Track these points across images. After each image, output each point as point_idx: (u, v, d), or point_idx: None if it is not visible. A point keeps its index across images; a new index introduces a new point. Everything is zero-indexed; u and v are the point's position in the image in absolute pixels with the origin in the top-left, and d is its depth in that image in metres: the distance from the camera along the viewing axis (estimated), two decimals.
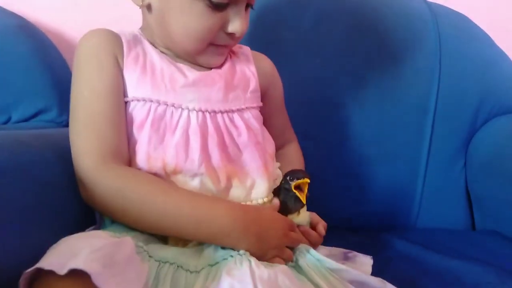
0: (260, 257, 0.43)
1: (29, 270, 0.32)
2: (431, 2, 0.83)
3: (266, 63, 0.60)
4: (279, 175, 0.55)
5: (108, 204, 0.43)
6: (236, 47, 0.58)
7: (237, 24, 0.48)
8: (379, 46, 0.75)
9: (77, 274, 0.30)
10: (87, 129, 0.45)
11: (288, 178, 0.50)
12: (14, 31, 0.85)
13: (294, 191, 0.49)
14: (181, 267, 0.41)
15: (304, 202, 0.49)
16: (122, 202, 0.43)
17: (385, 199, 0.74)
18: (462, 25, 0.81)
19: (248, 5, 0.50)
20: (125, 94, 0.48)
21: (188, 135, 0.47)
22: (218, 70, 0.53)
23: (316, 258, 0.47)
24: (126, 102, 0.48)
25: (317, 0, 0.76)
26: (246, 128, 0.51)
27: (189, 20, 0.47)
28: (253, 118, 0.53)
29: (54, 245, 0.35)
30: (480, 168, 0.74)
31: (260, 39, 0.71)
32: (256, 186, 0.50)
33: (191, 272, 0.41)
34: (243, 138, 0.50)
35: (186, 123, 0.48)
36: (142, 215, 0.43)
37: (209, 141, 0.48)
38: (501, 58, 0.81)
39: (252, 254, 0.42)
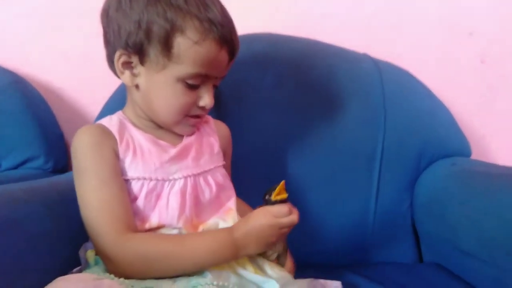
0: (267, 249, 0.57)
1: None
2: (378, 60, 0.94)
3: (224, 129, 0.74)
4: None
5: (136, 268, 0.52)
6: None
7: (206, 99, 0.60)
8: (330, 101, 0.86)
9: None
10: (101, 212, 0.54)
11: (266, 194, 0.57)
12: (7, 88, 0.94)
13: (276, 198, 0.56)
14: None
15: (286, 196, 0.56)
16: (148, 263, 0.52)
17: (339, 238, 0.82)
18: (404, 80, 0.93)
19: (214, 86, 0.63)
20: (122, 174, 0.58)
21: (169, 199, 0.58)
22: (190, 142, 0.65)
23: None
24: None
25: (274, 64, 0.87)
26: (216, 185, 0.64)
27: (171, 97, 0.58)
28: (221, 175, 0.66)
29: (48, 285, 0.43)
30: (422, 209, 0.83)
31: (225, 95, 0.82)
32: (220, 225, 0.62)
33: None
34: (211, 195, 0.63)
35: (169, 189, 0.59)
36: (167, 268, 0.53)
37: (187, 200, 0.60)
38: (440, 108, 0.92)
39: (261, 251, 0.57)
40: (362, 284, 0.70)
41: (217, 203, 0.64)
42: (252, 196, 0.63)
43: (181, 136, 0.65)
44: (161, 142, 0.62)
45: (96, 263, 0.55)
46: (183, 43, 0.55)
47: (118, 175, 0.57)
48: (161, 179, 0.58)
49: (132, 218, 0.55)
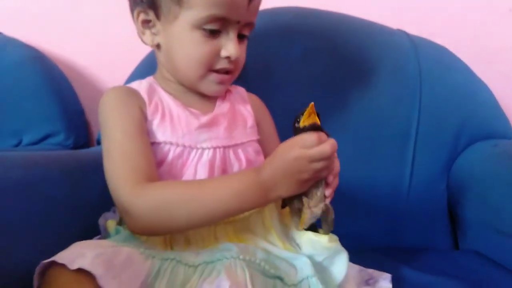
0: (301, 190, 0.48)
1: (45, 261, 0.39)
2: (413, 35, 0.89)
3: (256, 100, 0.68)
4: None
5: (154, 219, 0.47)
6: (232, 88, 0.66)
7: (230, 47, 0.54)
8: (363, 76, 0.81)
9: (82, 272, 0.37)
10: (122, 163, 0.50)
11: (295, 122, 0.49)
12: (29, 62, 0.93)
13: (304, 124, 0.47)
14: (180, 261, 0.47)
15: (317, 121, 0.48)
16: (166, 210, 0.47)
17: (371, 220, 0.77)
18: (442, 56, 0.87)
19: (243, 36, 0.57)
20: (149, 136, 0.54)
21: (197, 169, 0.54)
22: (222, 112, 0.60)
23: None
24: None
25: (303, 36, 0.82)
26: (246, 160, 0.58)
27: (189, 48, 0.54)
28: (253, 150, 0.61)
29: (67, 248, 0.41)
30: (460, 191, 0.78)
31: (251, 69, 0.77)
32: None
33: (189, 266, 0.46)
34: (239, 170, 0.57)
35: (197, 159, 0.55)
36: (188, 214, 0.47)
37: (215, 173, 0.55)
38: (480, 87, 0.86)
39: (294, 192, 0.48)
40: (405, 273, 0.65)
41: None
42: None
43: (212, 105, 0.61)
44: (192, 109, 0.58)
45: (117, 233, 0.52)
46: None
47: (143, 132, 0.53)
48: (188, 145, 0.55)
49: (155, 171, 0.52)
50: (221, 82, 0.58)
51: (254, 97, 0.68)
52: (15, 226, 0.41)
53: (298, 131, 0.48)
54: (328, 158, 0.46)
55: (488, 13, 0.99)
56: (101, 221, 0.56)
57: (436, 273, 0.65)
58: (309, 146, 0.46)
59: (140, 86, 0.58)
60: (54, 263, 0.39)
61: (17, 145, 0.89)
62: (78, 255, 0.39)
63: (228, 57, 0.55)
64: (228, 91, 0.65)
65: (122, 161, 0.50)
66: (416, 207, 0.79)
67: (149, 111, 0.55)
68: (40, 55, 0.97)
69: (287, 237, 0.56)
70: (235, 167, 0.58)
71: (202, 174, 0.54)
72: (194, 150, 0.55)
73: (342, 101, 0.80)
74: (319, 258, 0.53)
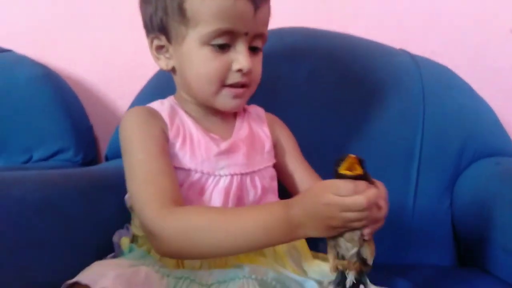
0: (330, 235, 0.45)
1: (68, 282, 0.40)
2: (416, 55, 0.91)
3: (276, 120, 0.68)
4: None
5: (179, 243, 0.47)
6: (250, 107, 0.66)
7: (241, 60, 0.53)
8: (367, 97, 0.82)
9: None
10: (146, 184, 0.50)
11: (336, 165, 0.45)
12: (39, 79, 0.95)
13: (345, 172, 0.44)
14: (194, 280, 0.47)
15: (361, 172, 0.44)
16: (192, 235, 0.46)
17: (376, 237, 0.78)
18: (444, 76, 0.89)
19: (255, 48, 0.57)
20: None
21: (212, 195, 0.55)
22: (241, 138, 0.60)
23: None
24: None
25: (309, 57, 0.84)
26: (261, 187, 0.59)
27: (199, 66, 0.54)
28: (268, 177, 0.61)
29: (88, 267, 0.42)
30: (464, 208, 0.79)
31: (257, 89, 0.79)
32: None
33: (202, 285, 0.47)
34: (255, 197, 0.58)
35: (214, 186, 0.55)
36: (213, 242, 0.46)
37: (229, 200, 0.55)
38: (482, 105, 0.88)
39: (322, 235, 0.45)
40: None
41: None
42: (286, 196, 0.57)
43: (232, 128, 0.61)
44: (212, 134, 0.58)
45: (130, 250, 0.53)
46: (193, 3, 0.52)
47: (166, 153, 0.54)
48: (206, 172, 0.55)
49: (179, 192, 0.52)
50: (236, 96, 0.57)
51: (272, 117, 0.69)
52: (37, 245, 0.42)
53: (336, 175, 0.44)
54: (362, 210, 0.43)
55: (489, 33, 1.01)
56: (115, 238, 0.57)
57: None
58: (342, 194, 0.43)
59: (162, 107, 0.59)
60: (77, 283, 0.40)
61: (27, 161, 0.90)
62: (100, 275, 0.40)
63: (240, 70, 0.54)
64: (246, 111, 0.65)
65: (146, 182, 0.50)
66: (421, 225, 0.80)
67: (171, 134, 0.56)
68: (50, 72, 0.99)
69: (296, 263, 0.57)
70: (251, 194, 0.58)
71: (217, 200, 0.55)
72: (212, 177, 0.55)
73: (347, 121, 0.82)
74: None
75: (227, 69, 0.54)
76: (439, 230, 0.82)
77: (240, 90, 0.57)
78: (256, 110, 0.68)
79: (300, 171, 0.66)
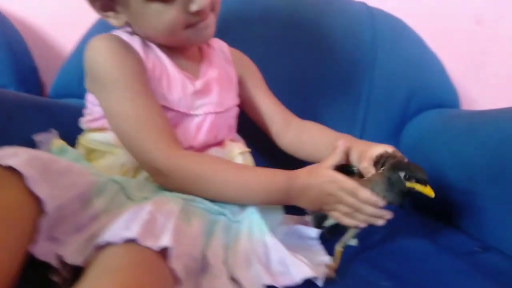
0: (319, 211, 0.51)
1: None
2: (372, 7, 0.91)
3: (239, 56, 0.68)
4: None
5: (188, 185, 0.49)
6: (214, 42, 0.64)
7: (197, 1, 0.49)
8: (320, 40, 0.82)
9: (13, 171, 0.34)
10: (145, 127, 0.48)
11: (404, 175, 0.47)
12: None
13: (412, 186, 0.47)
14: (124, 189, 0.47)
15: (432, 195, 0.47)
16: (202, 183, 0.49)
17: None
18: (398, 27, 0.90)
19: None
20: None
21: (185, 134, 0.55)
22: (214, 77, 0.59)
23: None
24: None
25: None
26: (228, 127, 0.60)
27: (154, 22, 0.50)
28: (234, 115, 0.62)
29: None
30: (407, 153, 0.80)
31: None
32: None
33: (130, 199, 0.46)
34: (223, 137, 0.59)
35: (187, 124, 0.55)
36: (220, 192, 0.49)
37: (204, 137, 0.56)
38: (432, 59, 0.89)
39: (313, 210, 0.52)
40: None
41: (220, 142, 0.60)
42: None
43: (198, 67, 0.59)
44: (185, 72, 0.56)
45: (62, 152, 0.50)
46: None
47: (150, 88, 0.51)
48: (182, 111, 0.54)
49: (174, 131, 0.52)
50: (204, 28, 0.53)
51: (236, 52, 0.67)
52: None
53: (392, 185, 0.48)
54: (356, 211, 0.48)
55: None
56: (38, 137, 0.52)
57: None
58: (347, 192, 0.47)
59: (132, 38, 0.54)
60: None
61: None
62: (12, 154, 0.36)
63: (198, 11, 0.50)
64: (210, 47, 0.63)
65: (143, 122, 0.48)
66: None
67: (148, 68, 0.52)
68: None
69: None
70: (223, 132, 0.59)
71: (189, 140, 0.54)
72: (186, 116, 0.54)
73: (297, 63, 0.81)
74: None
75: (184, 12, 0.50)
76: None
77: (205, 21, 0.53)
78: (220, 45, 0.66)
79: (267, 103, 0.67)
